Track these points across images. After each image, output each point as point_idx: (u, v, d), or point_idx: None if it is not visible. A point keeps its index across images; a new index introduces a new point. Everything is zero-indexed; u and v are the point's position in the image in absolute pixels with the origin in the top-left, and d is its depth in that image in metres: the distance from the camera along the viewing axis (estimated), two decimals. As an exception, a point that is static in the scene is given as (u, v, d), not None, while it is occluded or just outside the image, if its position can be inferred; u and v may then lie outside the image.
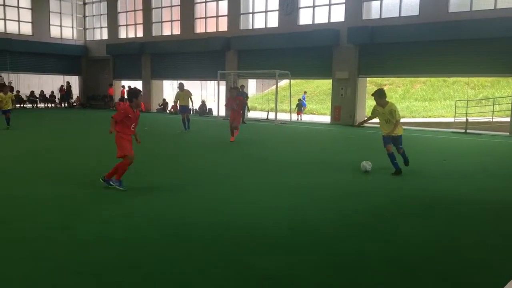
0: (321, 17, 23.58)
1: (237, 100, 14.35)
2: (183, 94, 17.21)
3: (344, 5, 22.58)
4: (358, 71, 22.41)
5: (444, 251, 4.87)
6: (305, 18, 24.22)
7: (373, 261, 4.53)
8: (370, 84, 32.26)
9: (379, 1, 21.70)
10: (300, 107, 28.15)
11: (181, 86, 17.59)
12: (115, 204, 6.46)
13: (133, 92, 7.45)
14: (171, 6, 30.12)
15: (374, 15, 22.02)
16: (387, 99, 8.83)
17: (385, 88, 35.83)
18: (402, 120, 9.30)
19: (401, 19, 20.78)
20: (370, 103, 31.61)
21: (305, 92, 32.37)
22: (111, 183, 7.24)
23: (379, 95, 8.80)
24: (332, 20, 23.13)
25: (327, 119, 25.41)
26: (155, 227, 5.45)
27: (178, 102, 18.10)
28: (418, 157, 11.63)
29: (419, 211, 6.50)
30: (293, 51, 24.18)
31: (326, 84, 32.67)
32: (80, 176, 8.39)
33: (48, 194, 7.00)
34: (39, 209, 6.19)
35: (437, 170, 9.80)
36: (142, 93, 7.81)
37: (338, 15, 22.92)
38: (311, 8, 23.91)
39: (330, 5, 23.23)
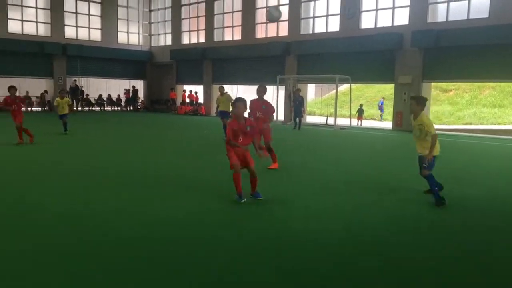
0: (384, 21, 23.07)
1: (262, 105, 9.68)
2: (223, 99, 15.76)
3: (408, 8, 21.97)
4: (422, 75, 21.70)
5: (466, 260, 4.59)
6: (367, 21, 23.79)
7: (418, 269, 4.35)
8: (435, 89, 31.16)
9: (446, 4, 20.94)
10: (361, 113, 27.66)
11: (221, 90, 16.43)
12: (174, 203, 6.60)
13: (233, 100, 6.86)
14: (232, 12, 30.61)
15: (440, 18, 21.26)
16: (422, 110, 6.89)
17: (450, 93, 34.49)
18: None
19: (469, 22, 19.91)
20: (435, 108, 30.65)
21: (383, 98, 31.69)
22: (257, 197, 6.87)
23: (417, 101, 6.88)
24: (395, 24, 22.57)
25: (388, 125, 24.77)
26: (200, 229, 5.51)
27: (218, 107, 16.40)
28: (483, 168, 11.07)
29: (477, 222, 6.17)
30: (354, 55, 23.81)
31: (388, 89, 31.90)
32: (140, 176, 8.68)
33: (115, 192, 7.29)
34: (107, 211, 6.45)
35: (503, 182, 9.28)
36: (242, 101, 6.76)
37: (402, 18, 22.33)
38: (374, 12, 23.46)
39: (393, 8, 22.69)
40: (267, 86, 10.16)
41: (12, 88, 12.97)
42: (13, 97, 12.94)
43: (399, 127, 22.37)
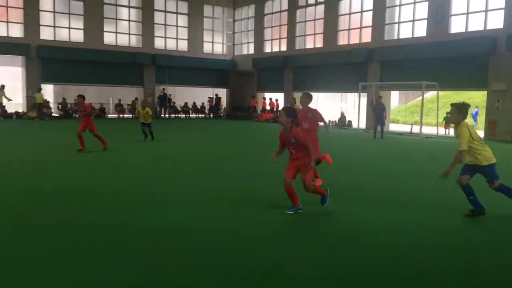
0: (476, 24, 21.82)
1: (308, 113, 8.38)
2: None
3: (503, 10, 20.62)
4: (519, 82, 20.22)
5: None
6: (457, 25, 22.65)
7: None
8: (533, 96, 28.81)
9: (547, 4, 19.41)
10: (449, 121, 26.30)
11: (291, 101, 15.65)
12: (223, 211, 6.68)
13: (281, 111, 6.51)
14: (314, 20, 30.56)
15: (540, 19, 19.74)
16: (464, 119, 6.39)
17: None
18: None
19: None
20: (533, 117, 28.20)
21: (477, 107, 29.90)
22: (324, 202, 6.75)
23: (459, 109, 6.36)
24: (488, 27, 21.27)
25: (480, 134, 23.30)
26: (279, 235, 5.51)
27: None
28: None
29: None
30: (441, 60, 22.77)
31: (479, 96, 30.07)
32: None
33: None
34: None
35: None
36: (283, 110, 6.48)
37: (496, 21, 20.99)
38: (464, 15, 22.28)
39: (486, 11, 21.40)
40: (311, 93, 8.90)
41: (79, 97, 13.11)
42: (81, 106, 12.98)
43: (492, 136, 20.99)
